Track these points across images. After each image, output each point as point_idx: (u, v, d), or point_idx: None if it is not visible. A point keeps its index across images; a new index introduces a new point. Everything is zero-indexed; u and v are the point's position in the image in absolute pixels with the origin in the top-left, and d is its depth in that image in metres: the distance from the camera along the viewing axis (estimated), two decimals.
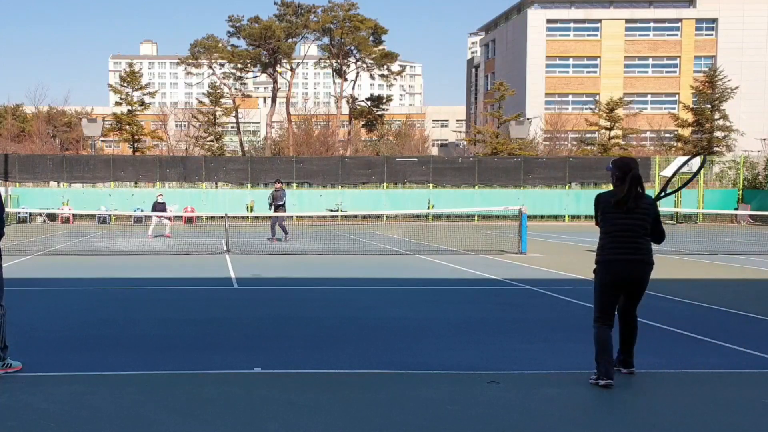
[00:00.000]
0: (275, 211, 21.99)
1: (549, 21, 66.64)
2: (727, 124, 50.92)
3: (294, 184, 36.54)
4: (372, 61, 61.43)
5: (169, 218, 25.11)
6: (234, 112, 60.83)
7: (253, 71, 63.59)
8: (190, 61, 60.45)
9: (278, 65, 61.29)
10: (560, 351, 7.36)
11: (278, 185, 22.56)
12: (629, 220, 5.98)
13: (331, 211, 34.68)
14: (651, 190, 37.78)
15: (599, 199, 6.19)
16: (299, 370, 6.44)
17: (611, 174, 6.11)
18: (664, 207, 35.70)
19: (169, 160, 39.86)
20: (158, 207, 23.70)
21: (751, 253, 18.79)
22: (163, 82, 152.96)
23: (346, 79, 63.58)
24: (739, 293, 11.65)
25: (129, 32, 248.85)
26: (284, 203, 22.23)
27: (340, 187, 37.35)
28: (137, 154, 52.46)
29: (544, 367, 6.64)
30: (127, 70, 56.25)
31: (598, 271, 6.12)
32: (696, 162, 36.58)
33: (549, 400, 5.55)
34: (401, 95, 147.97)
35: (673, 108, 61.78)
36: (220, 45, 59.79)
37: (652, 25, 66.45)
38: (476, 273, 14.25)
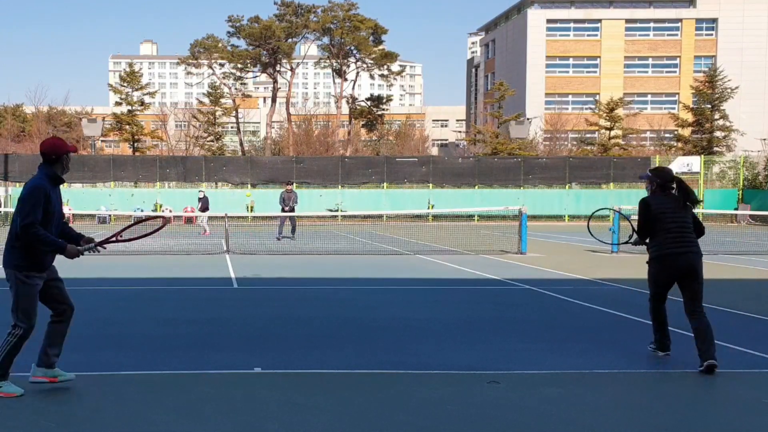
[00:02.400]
0: (285, 212, 22.32)
1: (549, 21, 66.63)
2: (727, 124, 50.90)
3: (294, 184, 36.50)
4: (372, 61, 61.42)
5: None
6: (234, 112, 60.83)
7: (253, 71, 63.59)
8: (190, 61, 60.45)
9: (278, 65, 61.29)
10: (560, 351, 7.36)
11: (289, 187, 22.83)
12: (684, 218, 6.81)
13: (331, 211, 34.68)
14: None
15: (648, 202, 6.85)
16: (299, 370, 6.45)
17: (649, 182, 6.92)
18: None
19: (169, 160, 39.86)
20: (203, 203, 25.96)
21: (751, 253, 18.79)
22: (163, 82, 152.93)
23: (346, 79, 63.58)
24: (739, 293, 11.66)
25: (129, 32, 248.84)
26: (293, 206, 22.36)
27: (340, 187, 37.35)
28: (137, 154, 52.46)
29: (544, 367, 6.65)
30: (127, 70, 56.25)
31: (650, 265, 6.96)
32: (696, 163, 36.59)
33: (549, 400, 5.55)
34: (401, 95, 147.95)
35: (673, 108, 61.77)
36: (220, 45, 59.78)
37: (652, 25, 66.45)
38: (476, 273, 14.25)
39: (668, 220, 6.70)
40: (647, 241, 6.89)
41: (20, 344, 5.54)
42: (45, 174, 5.59)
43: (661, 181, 6.83)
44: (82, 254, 5.71)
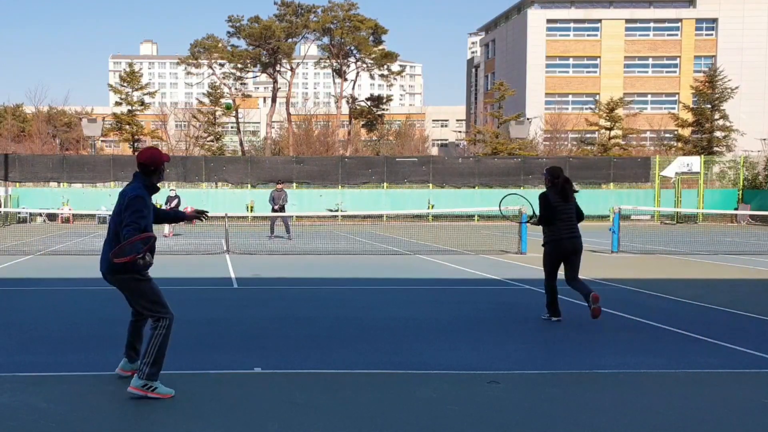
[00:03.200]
0: (275, 212, 22.32)
1: (549, 21, 66.64)
2: (727, 124, 50.91)
3: (294, 184, 36.54)
4: (372, 61, 61.43)
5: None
6: (234, 112, 60.81)
7: (253, 71, 63.60)
8: (190, 61, 60.46)
9: (278, 65, 61.30)
10: (560, 351, 7.36)
11: (279, 186, 22.87)
12: (570, 209, 8.79)
13: (331, 211, 34.68)
14: (651, 189, 37.84)
15: (547, 195, 8.73)
16: (299, 370, 6.44)
17: (545, 179, 8.83)
18: (664, 207, 35.73)
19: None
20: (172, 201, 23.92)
21: (751, 253, 18.79)
22: (163, 82, 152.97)
23: (346, 79, 63.58)
24: (739, 293, 11.65)
25: (129, 32, 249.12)
26: (283, 205, 22.39)
27: (340, 187, 37.35)
28: (137, 153, 52.43)
29: (544, 367, 6.64)
30: (127, 70, 56.28)
31: (547, 247, 8.86)
32: (696, 162, 36.57)
33: (549, 400, 5.55)
34: (401, 95, 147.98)
35: (673, 108, 61.79)
36: (220, 45, 59.80)
37: (652, 25, 66.46)
38: (476, 273, 14.25)
39: (560, 211, 8.65)
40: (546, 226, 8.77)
41: (168, 337, 5.78)
42: (143, 184, 5.83)
43: (551, 177, 8.73)
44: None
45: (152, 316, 5.65)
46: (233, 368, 6.48)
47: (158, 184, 6.08)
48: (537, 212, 8.79)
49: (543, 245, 8.91)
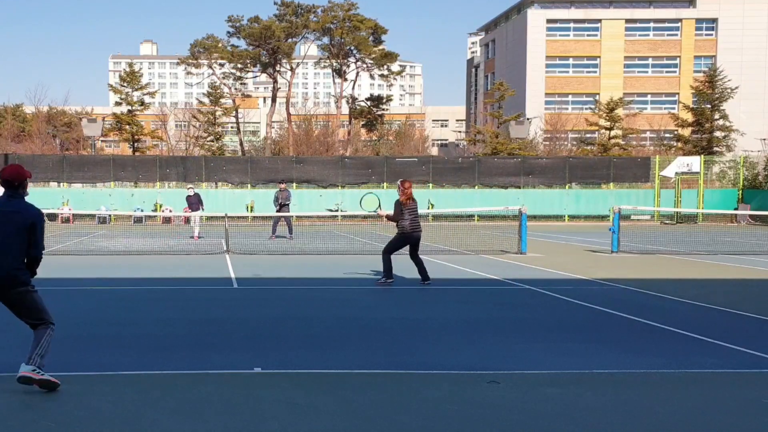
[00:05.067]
0: (278, 211, 22.34)
1: (549, 21, 66.62)
2: (727, 124, 50.88)
3: (294, 184, 36.52)
4: (372, 61, 61.41)
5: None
6: (234, 112, 60.82)
7: (253, 71, 63.57)
8: (190, 61, 60.42)
9: (278, 65, 61.27)
10: (560, 351, 7.36)
11: (282, 186, 22.90)
12: (416, 209, 12.60)
13: (331, 211, 34.66)
14: (651, 189, 37.82)
15: (400, 202, 12.31)
16: (299, 370, 6.44)
17: (399, 188, 12.51)
18: (664, 207, 35.73)
19: (169, 160, 39.84)
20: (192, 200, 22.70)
21: (751, 253, 18.79)
22: (163, 82, 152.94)
23: (346, 79, 63.57)
24: (739, 293, 11.65)
25: (129, 32, 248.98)
26: (287, 204, 22.42)
27: (340, 187, 37.35)
28: (137, 154, 52.45)
29: (544, 367, 6.64)
30: (127, 70, 56.22)
31: (400, 234, 12.42)
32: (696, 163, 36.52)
33: (549, 400, 5.55)
34: (401, 95, 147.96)
35: (673, 108, 61.76)
36: (220, 45, 59.76)
37: (652, 25, 66.44)
38: (476, 273, 14.25)
39: (410, 210, 12.31)
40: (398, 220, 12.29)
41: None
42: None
43: (404, 188, 12.44)
44: None
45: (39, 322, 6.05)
46: (233, 368, 6.48)
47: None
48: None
49: (398, 231, 12.37)
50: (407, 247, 12.60)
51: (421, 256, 12.74)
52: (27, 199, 5.98)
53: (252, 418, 5.08)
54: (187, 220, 26.95)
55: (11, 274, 5.79)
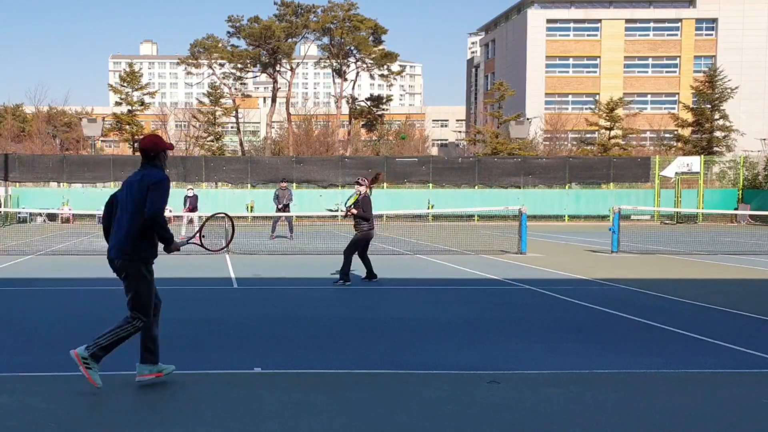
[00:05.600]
0: (279, 211, 22.32)
1: (549, 21, 66.63)
2: (727, 124, 50.89)
3: (294, 184, 36.52)
4: (372, 61, 61.42)
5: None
6: (234, 112, 60.81)
7: (253, 71, 63.59)
8: (190, 61, 60.44)
9: (278, 65, 61.28)
10: (560, 351, 7.36)
11: (283, 184, 22.88)
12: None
13: (331, 211, 34.62)
14: (651, 189, 37.83)
15: (367, 199, 12.25)
16: (299, 370, 6.44)
17: (365, 183, 12.37)
18: (664, 207, 35.72)
19: (169, 160, 39.60)
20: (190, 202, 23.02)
21: (751, 253, 18.79)
22: (163, 82, 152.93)
23: (346, 79, 63.57)
24: (738, 293, 11.65)
25: (129, 32, 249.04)
26: (287, 204, 22.40)
27: (340, 187, 37.34)
28: (137, 154, 52.37)
29: (544, 367, 6.64)
30: (127, 70, 56.27)
31: (366, 233, 12.24)
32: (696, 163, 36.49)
33: (549, 400, 5.55)
34: (401, 95, 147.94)
35: (673, 108, 61.77)
36: (220, 45, 59.78)
37: (652, 25, 66.45)
38: (476, 273, 14.25)
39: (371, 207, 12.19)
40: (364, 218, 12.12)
41: (130, 337, 5.74)
42: (161, 168, 5.89)
43: (369, 183, 12.40)
44: (178, 250, 5.94)
45: (132, 311, 5.70)
46: (233, 368, 6.48)
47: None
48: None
49: (362, 231, 12.20)
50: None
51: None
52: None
53: (252, 418, 5.08)
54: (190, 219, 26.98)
55: (120, 246, 5.61)
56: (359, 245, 12.23)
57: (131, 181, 5.79)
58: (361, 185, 12.31)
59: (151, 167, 5.82)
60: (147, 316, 5.73)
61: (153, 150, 5.85)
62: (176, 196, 35.10)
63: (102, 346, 5.60)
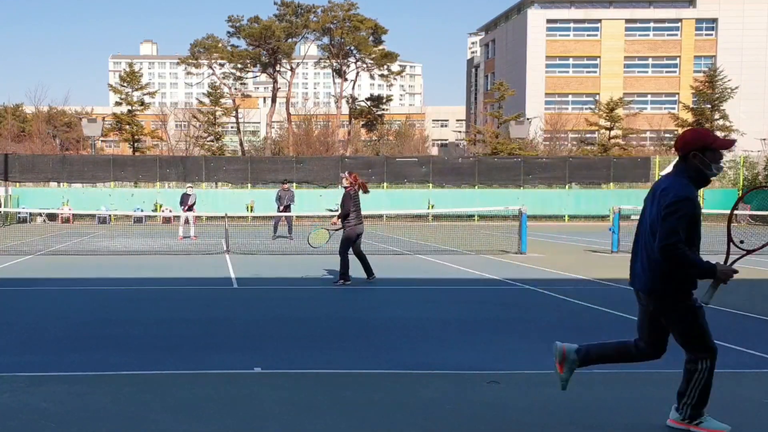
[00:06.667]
0: (280, 211, 22.36)
1: (549, 21, 66.61)
2: (727, 124, 50.89)
3: (294, 184, 36.51)
4: (372, 61, 61.40)
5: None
6: (234, 112, 60.80)
7: (253, 71, 63.57)
8: (190, 61, 60.42)
9: (278, 65, 61.27)
10: None
11: (285, 186, 22.89)
12: (359, 204, 12.83)
13: (331, 211, 34.55)
14: (646, 189, 37.81)
15: (351, 194, 12.71)
16: (299, 370, 6.44)
17: (346, 179, 12.85)
18: None
19: (169, 160, 39.84)
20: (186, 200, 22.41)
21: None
22: (163, 82, 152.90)
23: (346, 79, 63.56)
24: (739, 293, 11.64)
25: (129, 32, 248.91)
26: (289, 205, 22.40)
27: (340, 187, 37.30)
28: (137, 154, 52.45)
29: (544, 367, 6.63)
30: (127, 70, 56.22)
31: (353, 228, 12.55)
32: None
33: (549, 400, 5.55)
34: (401, 95, 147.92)
35: (673, 108, 61.76)
36: (220, 45, 59.76)
37: (652, 25, 66.43)
38: (476, 273, 14.25)
39: (357, 205, 12.73)
40: (348, 215, 12.44)
41: (711, 377, 4.80)
42: (688, 176, 4.48)
43: (354, 181, 12.77)
44: (730, 276, 4.69)
45: (688, 351, 4.81)
46: (233, 368, 6.48)
47: None
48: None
49: (348, 226, 12.45)
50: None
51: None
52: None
53: (252, 418, 5.08)
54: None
55: (645, 277, 4.55)
56: (350, 241, 12.44)
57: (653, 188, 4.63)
58: (343, 180, 12.91)
59: (676, 175, 4.50)
60: (706, 348, 4.93)
61: (684, 148, 4.47)
62: (176, 196, 35.16)
63: (692, 405, 4.83)
